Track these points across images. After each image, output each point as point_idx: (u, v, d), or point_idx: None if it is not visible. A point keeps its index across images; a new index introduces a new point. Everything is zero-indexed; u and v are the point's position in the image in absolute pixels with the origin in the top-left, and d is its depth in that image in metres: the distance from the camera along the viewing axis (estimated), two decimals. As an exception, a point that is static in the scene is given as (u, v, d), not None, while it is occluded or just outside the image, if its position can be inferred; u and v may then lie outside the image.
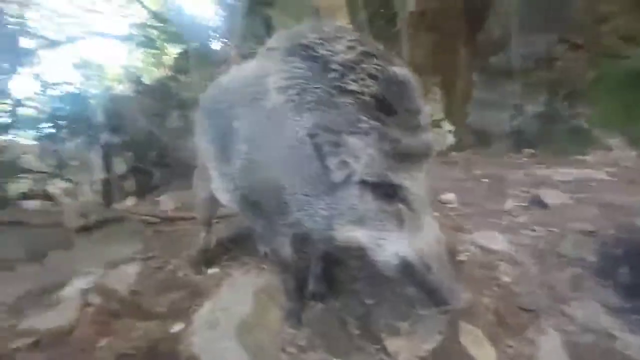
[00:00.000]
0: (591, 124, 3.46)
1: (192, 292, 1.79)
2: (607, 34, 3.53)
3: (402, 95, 1.02)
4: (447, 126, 5.51)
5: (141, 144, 8.16)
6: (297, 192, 1.22)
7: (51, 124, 7.38)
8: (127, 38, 10.05)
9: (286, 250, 1.49)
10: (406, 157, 1.03)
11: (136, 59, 11.47)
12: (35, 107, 7.79)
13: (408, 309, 1.47)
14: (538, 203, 2.31)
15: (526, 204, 2.38)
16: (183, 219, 3.10)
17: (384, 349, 1.33)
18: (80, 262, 2.06)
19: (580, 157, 3.38)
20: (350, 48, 1.10)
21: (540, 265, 1.64)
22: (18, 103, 6.43)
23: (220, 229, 2.49)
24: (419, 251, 1.05)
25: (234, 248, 2.31)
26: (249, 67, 1.52)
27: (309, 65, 1.17)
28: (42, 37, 8.89)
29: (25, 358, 1.38)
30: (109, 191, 7.67)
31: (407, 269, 1.07)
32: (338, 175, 1.09)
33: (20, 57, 6.36)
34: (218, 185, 1.77)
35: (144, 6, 10.52)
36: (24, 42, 7.03)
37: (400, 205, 1.07)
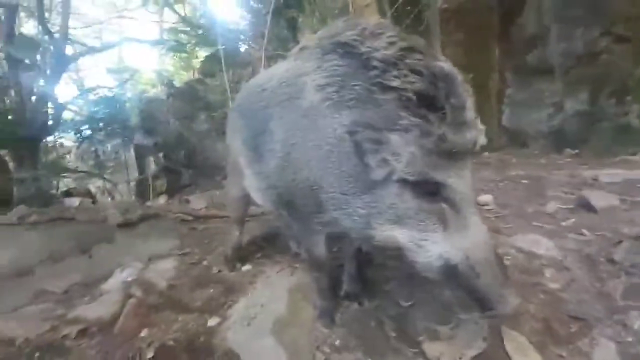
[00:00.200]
0: (642, 122, 3.22)
1: (227, 288, 1.82)
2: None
3: (448, 90, 0.98)
4: (479, 126, 5.33)
5: (171, 145, 8.49)
6: (334, 190, 1.21)
7: (89, 126, 7.80)
8: (159, 43, 10.45)
9: (320, 249, 1.49)
10: (451, 154, 1.00)
11: (167, 63, 11.94)
12: (74, 111, 8.26)
13: (447, 312, 1.42)
14: (584, 205, 2.17)
15: (571, 207, 2.24)
16: (215, 217, 3.18)
17: (422, 353, 1.29)
18: (122, 256, 2.15)
19: (628, 157, 3.15)
20: (391, 44, 1.08)
21: (591, 272, 1.54)
22: (60, 107, 6.83)
23: (251, 227, 2.53)
24: (464, 253, 1.01)
25: (265, 246, 2.34)
26: (284, 67, 1.53)
27: (349, 62, 1.16)
28: (81, 43, 9.43)
29: (74, 345, 1.45)
30: (143, 190, 8.03)
31: (450, 271, 1.03)
32: (378, 173, 1.06)
33: (65, 64, 6.76)
34: (251, 184, 1.80)
35: (174, 11, 10.93)
36: (67, 50, 7.46)
37: (443, 205, 1.03)
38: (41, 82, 6.29)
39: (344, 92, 1.15)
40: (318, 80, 1.23)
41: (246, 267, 2.04)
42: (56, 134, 7.51)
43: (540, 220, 2.17)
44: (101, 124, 7.65)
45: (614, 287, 1.41)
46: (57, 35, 6.25)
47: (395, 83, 1.01)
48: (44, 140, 6.77)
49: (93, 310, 1.62)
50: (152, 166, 8.54)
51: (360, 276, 1.69)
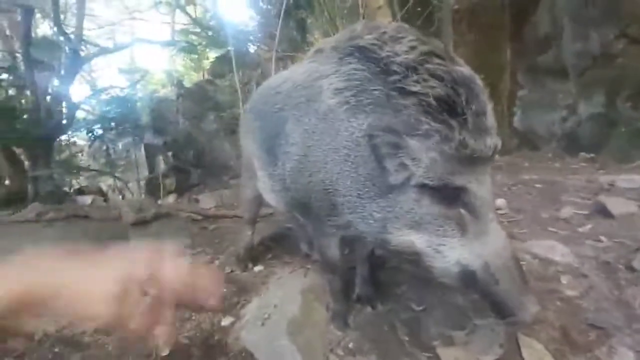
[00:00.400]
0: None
1: (240, 288, 1.84)
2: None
3: (468, 96, 0.98)
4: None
5: (180, 144, 8.59)
6: (350, 194, 1.21)
7: (101, 126, 7.92)
8: (170, 44, 10.58)
9: (334, 251, 1.49)
10: (471, 160, 0.99)
11: (178, 64, 12.08)
12: (87, 110, 8.41)
13: (462, 317, 1.41)
14: (601, 211, 2.13)
15: (587, 212, 2.21)
16: (225, 216, 3.21)
17: (436, 358, 1.28)
18: (136, 254, 2.18)
19: (646, 162, 3.10)
20: (412, 48, 1.07)
21: (609, 280, 1.51)
22: (74, 106, 6.95)
23: (260, 228, 2.54)
24: (483, 259, 1.00)
25: (275, 247, 2.35)
26: (300, 70, 1.53)
27: (368, 66, 1.15)
28: (94, 44, 9.59)
29: (92, 341, 1.48)
30: (153, 188, 8.13)
31: (469, 277, 1.02)
32: (396, 178, 1.06)
33: (79, 64, 6.88)
34: (265, 185, 1.81)
35: (186, 13, 11.06)
36: (81, 50, 7.59)
37: (462, 210, 1.03)
38: (56, 82, 6.41)
39: (362, 96, 1.15)
40: (336, 84, 1.23)
41: (258, 268, 2.05)
42: (69, 133, 7.65)
43: (556, 226, 2.14)
44: (113, 124, 7.77)
45: (633, 295, 1.39)
46: (72, 37, 6.36)
47: (416, 88, 1.01)
48: (57, 139, 6.89)
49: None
50: (161, 165, 8.65)
51: (373, 279, 1.69)
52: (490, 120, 1.02)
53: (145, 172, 8.48)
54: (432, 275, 1.12)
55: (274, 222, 2.68)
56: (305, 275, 1.76)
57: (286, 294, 1.52)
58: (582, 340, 1.26)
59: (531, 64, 5.64)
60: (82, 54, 6.96)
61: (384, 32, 1.19)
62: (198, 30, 10.45)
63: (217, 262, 2.18)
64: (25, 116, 5.86)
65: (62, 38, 6.24)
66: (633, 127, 3.47)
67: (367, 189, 1.17)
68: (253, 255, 2.15)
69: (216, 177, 8.23)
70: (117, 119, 7.70)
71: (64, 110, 6.51)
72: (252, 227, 2.15)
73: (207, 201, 4.62)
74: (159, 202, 5.19)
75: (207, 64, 10.29)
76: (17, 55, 6.58)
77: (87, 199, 5.94)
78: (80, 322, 0.75)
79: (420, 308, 1.52)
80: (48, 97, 6.12)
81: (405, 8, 5.66)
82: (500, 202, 2.51)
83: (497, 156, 1.06)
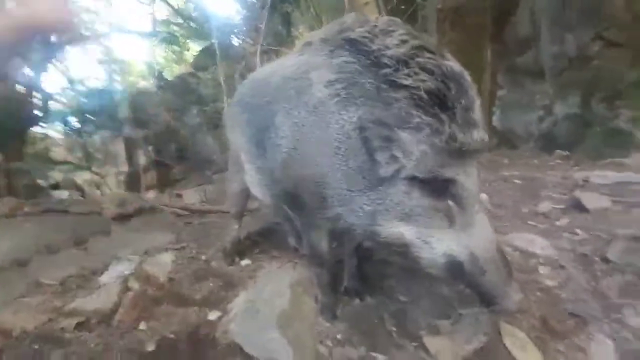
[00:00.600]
0: (633, 125, 3.31)
1: (227, 283, 1.82)
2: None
3: (459, 90, 1.00)
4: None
5: (161, 138, 8.39)
6: (340, 187, 1.22)
7: (78, 118, 7.64)
8: (151, 35, 10.27)
9: (323, 244, 1.49)
10: (460, 153, 1.01)
11: (159, 55, 11.74)
12: (63, 102, 8.08)
13: (447, 307, 1.45)
14: (577, 206, 2.23)
15: (564, 207, 2.30)
16: (211, 212, 3.17)
17: (423, 347, 1.32)
18: (118, 249, 2.13)
19: (618, 159, 3.25)
20: (403, 42, 1.09)
21: (586, 271, 1.59)
22: (48, 97, 6.66)
23: (247, 222, 2.52)
24: (470, 250, 1.03)
25: (262, 241, 2.34)
26: (289, 62, 1.52)
27: (359, 59, 1.16)
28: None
29: (73, 337, 1.43)
30: (133, 183, 7.91)
31: (456, 268, 1.05)
32: (387, 170, 1.07)
33: (51, 52, 6.58)
34: (253, 179, 1.79)
35: (167, 3, 10.74)
36: (54, 38, 7.26)
37: (450, 202, 1.05)
38: (27, 71, 6.12)
39: (353, 89, 1.16)
40: (326, 76, 1.23)
41: (245, 262, 2.04)
42: (43, 125, 7.34)
43: (535, 220, 2.22)
44: (90, 116, 7.50)
45: (608, 286, 1.46)
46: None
47: (407, 81, 1.02)
48: (30, 131, 6.59)
49: (91, 303, 1.60)
50: (141, 159, 8.42)
51: (361, 272, 1.71)
52: (478, 114, 1.04)
53: (124, 167, 8.23)
54: (420, 267, 1.15)
55: (260, 217, 2.66)
56: (294, 268, 1.76)
57: (275, 287, 1.52)
58: (561, 328, 1.32)
59: (510, 64, 5.79)
60: (56, 41, 6.65)
61: (375, 26, 1.19)
62: (180, 21, 10.17)
63: (203, 257, 2.15)
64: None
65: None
66: (606, 126, 3.63)
67: (357, 182, 1.18)
68: (240, 249, 2.14)
69: (199, 172, 8.09)
70: (94, 111, 7.43)
71: (37, 100, 6.23)
72: (239, 221, 2.13)
73: (191, 196, 4.54)
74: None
75: (189, 56, 10.05)
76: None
77: (63, 194, 5.72)
78: None
79: (408, 299, 1.55)
80: (20, 87, 5.83)
81: (390, 6, 5.70)
82: (482, 197, 2.58)
83: (484, 150, 1.09)
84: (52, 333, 1.44)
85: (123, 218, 2.51)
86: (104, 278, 1.85)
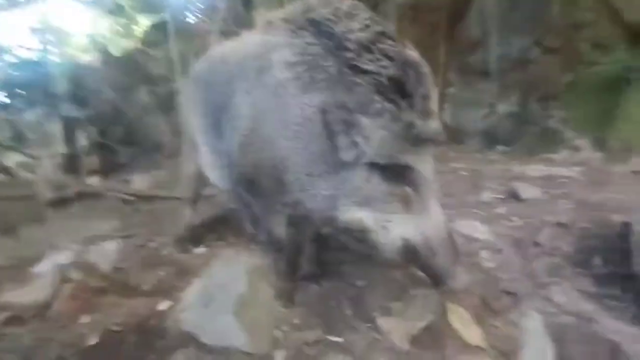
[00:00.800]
0: (563, 126, 3.69)
1: (179, 271, 1.76)
2: (581, 41, 3.75)
3: (417, 79, 1.03)
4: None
5: (106, 118, 7.71)
6: (300, 171, 1.21)
7: (6, 93, 6.76)
8: (94, 3, 9.32)
9: (280, 230, 1.49)
10: (417, 141, 1.05)
11: (103, 27, 10.69)
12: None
13: (399, 290, 1.52)
14: (514, 196, 2.45)
15: (503, 197, 2.51)
16: (161, 197, 3.00)
17: (376, 328, 1.37)
18: (55, 236, 1.93)
19: (549, 155, 3.60)
20: (366, 27, 1.09)
21: (519, 253, 1.75)
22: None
23: (202, 208, 2.43)
24: (423, 234, 1.08)
25: (218, 227, 2.27)
26: (250, 41, 1.47)
27: (322, 42, 1.15)
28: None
29: (4, 333, 1.29)
30: (72, 167, 7.21)
31: (410, 251, 1.10)
32: (347, 155, 1.08)
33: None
34: (208, 161, 1.72)
35: (113, -30, 9.78)
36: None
37: (407, 188, 1.09)
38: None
39: (315, 72, 1.14)
40: (288, 57, 1.20)
41: (199, 249, 1.97)
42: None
43: (477, 208, 2.40)
44: (20, 90, 6.66)
45: (538, 266, 1.63)
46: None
47: (369, 67, 1.03)
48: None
49: (24, 296, 1.46)
50: (82, 141, 7.68)
51: (318, 258, 1.73)
52: (435, 105, 1.09)
53: (61, 149, 7.45)
54: (376, 251, 1.18)
55: (216, 203, 2.57)
56: (250, 254, 1.73)
57: (231, 273, 1.48)
58: (498, 305, 1.45)
59: (461, 63, 6.11)
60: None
61: (338, 8, 1.19)
62: (127, -9, 9.33)
63: (153, 244, 2.04)
64: None
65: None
66: (541, 125, 4.01)
67: (317, 166, 1.17)
68: (194, 236, 2.06)
69: (149, 156, 7.58)
70: (25, 85, 6.61)
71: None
72: (193, 206, 2.05)
73: (139, 182, 4.27)
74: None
75: (138, 31, 9.28)
76: None
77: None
78: None
79: (363, 283, 1.60)
80: None
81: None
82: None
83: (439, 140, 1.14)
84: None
85: (61, 203, 2.28)
86: (38, 268, 1.67)
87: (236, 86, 1.37)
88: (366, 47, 1.06)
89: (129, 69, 8.36)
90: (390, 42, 1.07)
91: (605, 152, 3.15)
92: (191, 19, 8.33)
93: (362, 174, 1.10)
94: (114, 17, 9.47)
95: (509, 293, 1.50)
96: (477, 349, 1.27)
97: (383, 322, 1.38)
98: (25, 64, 7.00)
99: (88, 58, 9.13)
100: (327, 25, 1.13)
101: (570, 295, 1.42)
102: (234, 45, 1.62)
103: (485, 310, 1.43)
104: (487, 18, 5.28)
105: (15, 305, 1.40)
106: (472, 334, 1.31)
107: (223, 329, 1.28)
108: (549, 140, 3.79)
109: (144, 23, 9.02)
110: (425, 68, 1.09)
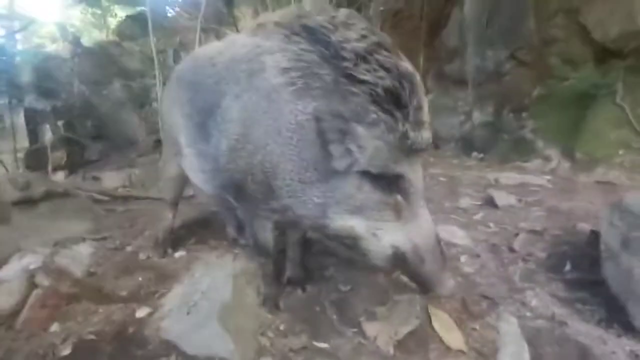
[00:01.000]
0: (535, 136, 3.89)
1: (158, 276, 1.69)
2: (552, 56, 3.97)
3: (412, 90, 1.05)
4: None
5: (75, 112, 7.34)
6: (291, 177, 1.20)
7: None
8: (64, -10, 8.86)
9: (266, 235, 1.47)
10: (410, 150, 1.07)
11: (74, 17, 10.17)
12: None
13: (383, 294, 1.54)
14: (490, 202, 2.55)
15: (480, 203, 2.61)
16: (135, 197, 2.89)
17: (361, 333, 1.38)
18: (21, 239, 1.81)
19: (521, 163, 3.79)
20: (363, 37, 1.10)
21: (496, 259, 1.83)
22: None
23: (182, 210, 2.36)
24: (413, 242, 1.11)
25: (198, 231, 2.21)
26: (240, 43, 1.45)
27: (317, 49, 1.14)
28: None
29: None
30: (35, 162, 6.79)
31: (400, 258, 1.12)
32: (340, 164, 1.09)
33: None
34: (192, 164, 1.68)
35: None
36: None
37: (399, 197, 1.11)
38: None
39: (310, 79, 1.14)
40: (282, 63, 1.19)
41: (179, 253, 1.91)
42: None
43: (456, 214, 2.48)
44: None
45: (513, 271, 1.70)
46: None
47: (366, 77, 1.04)
48: None
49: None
50: (48, 135, 7.25)
51: (303, 262, 1.72)
52: (427, 115, 1.12)
53: (25, 143, 7.00)
54: (366, 258, 1.20)
55: (196, 205, 2.51)
56: (234, 259, 1.70)
57: (215, 279, 1.45)
58: (476, 309, 1.49)
59: (439, 71, 6.30)
60: None
61: (334, 16, 1.19)
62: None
63: (129, 248, 1.95)
64: None
65: None
66: (514, 135, 4.21)
67: (308, 173, 1.17)
68: (173, 239, 1.99)
69: (121, 153, 7.28)
70: (-15, 74, 6.18)
71: None
72: (173, 209, 1.98)
73: (111, 180, 4.10)
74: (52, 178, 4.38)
75: (112, 22, 8.90)
76: None
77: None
78: None
79: (348, 288, 1.61)
80: None
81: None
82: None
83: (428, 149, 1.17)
84: None
85: (27, 203, 2.13)
86: (3, 273, 1.56)
87: (225, 89, 1.35)
88: (363, 57, 1.06)
89: (102, 62, 8.01)
90: (386, 53, 1.08)
91: (573, 163, 3.35)
92: (170, 13, 8.10)
93: (354, 182, 1.11)
94: (88, 7, 9.04)
95: (486, 297, 1.55)
96: (459, 352, 1.30)
97: (368, 326, 1.39)
98: (-15, 50, 6.52)
99: (55, 47, 8.65)
100: (323, 33, 1.13)
101: (544, 300, 1.49)
102: (221, 46, 1.59)
103: (465, 314, 1.48)
104: (465, 30, 5.48)
105: (-22, 313, 1.30)
106: (454, 337, 1.35)
107: (207, 337, 1.24)
108: (521, 149, 3.98)
109: (119, 14, 8.66)
110: (418, 79, 1.11)
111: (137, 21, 8.01)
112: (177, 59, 7.73)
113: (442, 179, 3.41)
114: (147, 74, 7.78)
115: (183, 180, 1.88)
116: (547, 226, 2.03)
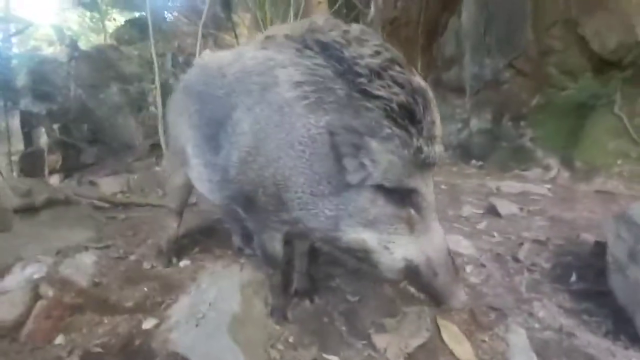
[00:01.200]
0: (534, 144, 3.93)
1: (163, 285, 1.67)
2: (550, 66, 4.03)
3: (425, 105, 1.06)
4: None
5: (71, 116, 7.28)
6: (303, 190, 1.20)
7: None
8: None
9: (276, 246, 1.46)
10: (423, 164, 1.08)
11: (72, 20, 10.13)
12: None
13: (392, 306, 1.54)
14: (492, 211, 2.56)
15: (482, 212, 2.62)
16: (137, 204, 2.87)
17: (371, 345, 1.38)
18: (22, 247, 1.78)
19: (520, 172, 3.82)
20: (377, 53, 1.11)
21: (501, 269, 1.83)
22: None
23: (185, 218, 2.34)
24: (425, 255, 1.11)
25: (203, 240, 2.20)
26: (250, 55, 1.45)
27: (331, 64, 1.15)
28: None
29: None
30: (30, 166, 6.70)
31: (412, 271, 1.12)
32: (354, 177, 1.09)
33: None
34: (200, 175, 1.67)
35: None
36: None
37: (412, 211, 1.12)
38: None
39: (323, 94, 1.15)
40: (295, 77, 1.20)
41: (184, 263, 1.89)
42: None
43: (459, 223, 2.49)
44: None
45: (519, 282, 1.71)
46: None
47: (381, 92, 1.05)
48: None
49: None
50: (43, 139, 7.18)
51: (309, 273, 1.72)
52: (439, 130, 1.13)
53: (20, 146, 6.92)
54: (377, 270, 1.20)
55: (200, 213, 2.49)
56: (241, 269, 1.69)
57: (222, 289, 1.43)
58: (485, 320, 1.50)
59: (437, 78, 6.36)
60: None
61: (347, 32, 1.20)
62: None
63: (132, 257, 1.93)
64: None
65: None
66: (512, 143, 4.25)
67: (321, 187, 1.17)
68: (178, 248, 1.98)
69: (117, 158, 7.23)
70: (-20, 76, 6.11)
71: None
72: (178, 218, 1.96)
73: (109, 185, 4.05)
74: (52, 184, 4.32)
75: (111, 26, 8.87)
76: None
77: None
78: None
79: (356, 299, 1.61)
80: None
81: (334, 8, 5.80)
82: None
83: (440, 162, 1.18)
84: None
85: (28, 210, 2.10)
86: (6, 283, 1.53)
87: (236, 101, 1.35)
88: (377, 73, 1.07)
89: (99, 65, 7.98)
90: (399, 69, 1.09)
91: (572, 172, 3.39)
92: (169, 17, 8.11)
93: (367, 195, 1.11)
94: (86, 10, 9.01)
95: (494, 309, 1.56)
96: (469, 365, 1.31)
97: (378, 339, 1.39)
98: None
99: (52, 50, 8.59)
100: (336, 49, 1.14)
101: (551, 311, 1.50)
102: (230, 57, 1.58)
103: (474, 326, 1.48)
104: (462, 38, 5.54)
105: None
106: (464, 350, 1.35)
107: (217, 349, 1.23)
108: (520, 158, 4.02)
109: (118, 18, 8.64)
110: (431, 94, 1.13)
111: (136, 25, 8.00)
112: (175, 63, 7.74)
113: (443, 186, 3.42)
114: (145, 78, 7.76)
115: (189, 190, 1.88)
116: (550, 236, 2.05)
